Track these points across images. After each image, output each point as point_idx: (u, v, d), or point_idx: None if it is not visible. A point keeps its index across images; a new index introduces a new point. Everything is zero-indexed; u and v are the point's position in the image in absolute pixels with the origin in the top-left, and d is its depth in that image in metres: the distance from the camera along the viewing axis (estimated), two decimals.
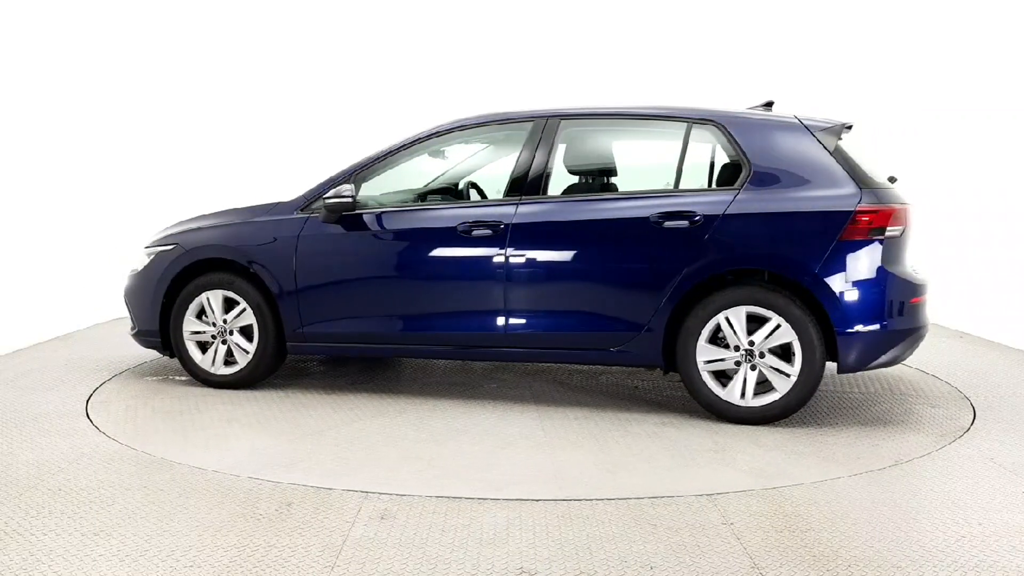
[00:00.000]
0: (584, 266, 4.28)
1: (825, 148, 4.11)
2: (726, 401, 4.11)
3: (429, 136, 4.67)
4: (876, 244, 3.98)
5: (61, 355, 5.71)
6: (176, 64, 8.12)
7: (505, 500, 3.15)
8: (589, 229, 4.27)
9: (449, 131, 4.66)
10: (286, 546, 2.74)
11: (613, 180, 4.72)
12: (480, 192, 5.18)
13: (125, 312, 5.16)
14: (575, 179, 4.71)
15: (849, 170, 4.06)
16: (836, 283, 3.94)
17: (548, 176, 4.41)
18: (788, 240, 4.05)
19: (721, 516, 3.00)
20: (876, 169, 4.35)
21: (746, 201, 4.08)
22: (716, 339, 4.13)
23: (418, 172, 5.01)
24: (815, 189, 4.05)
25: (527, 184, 4.39)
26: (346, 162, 4.73)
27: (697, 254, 4.09)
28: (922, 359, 5.37)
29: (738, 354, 4.08)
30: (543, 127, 4.48)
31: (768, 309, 4.02)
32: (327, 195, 4.54)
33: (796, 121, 4.22)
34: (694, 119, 4.31)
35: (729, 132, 4.22)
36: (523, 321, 4.34)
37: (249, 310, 4.70)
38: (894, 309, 4.03)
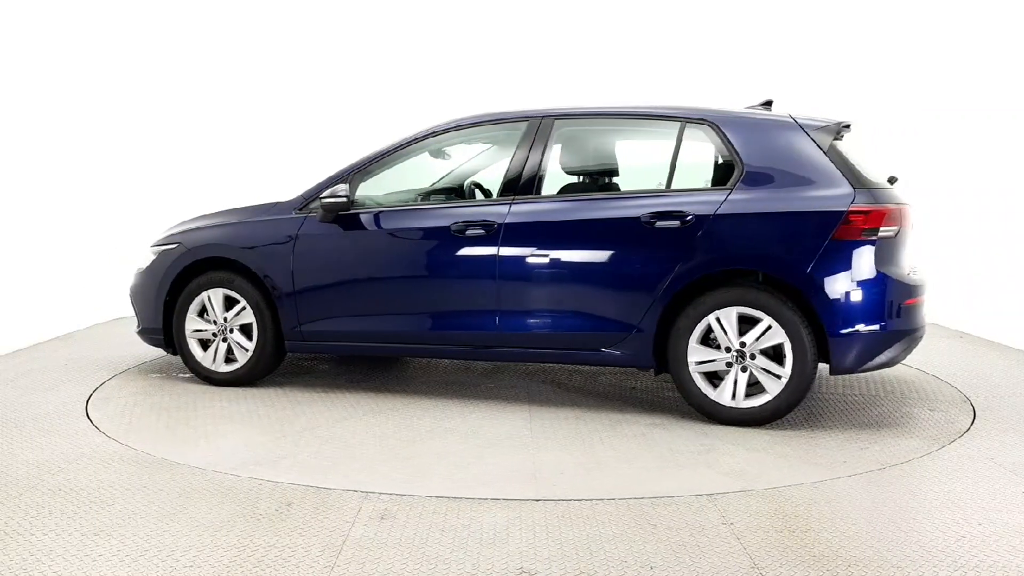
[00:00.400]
0: (575, 266, 4.25)
1: (820, 147, 4.06)
2: (717, 402, 4.08)
3: (425, 136, 4.68)
4: (869, 245, 3.92)
5: (61, 355, 5.71)
6: (176, 64, 8.12)
7: (505, 500, 3.15)
8: (581, 229, 4.26)
9: (445, 131, 4.67)
10: (286, 546, 2.74)
11: (608, 180, 4.71)
12: (485, 192, 5.19)
13: (125, 312, 5.18)
14: (571, 179, 4.70)
15: (844, 170, 4.01)
16: (827, 284, 3.89)
17: (542, 176, 4.39)
18: (779, 240, 4.01)
19: (721, 516, 3.00)
20: (875, 169, 4.33)
21: (738, 201, 4.05)
22: (708, 340, 4.10)
23: (415, 172, 5.02)
24: (808, 189, 4.01)
25: (521, 184, 4.39)
26: (346, 162, 4.74)
27: (688, 254, 4.06)
28: (922, 359, 5.37)
29: (729, 355, 4.05)
30: (537, 127, 4.47)
31: (759, 310, 3.98)
32: (323, 195, 4.56)
33: (791, 120, 4.18)
34: (688, 119, 4.29)
35: (722, 131, 4.19)
36: (515, 321, 4.34)
37: (248, 308, 4.73)
38: (888, 310, 3.98)
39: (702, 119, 4.25)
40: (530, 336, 4.34)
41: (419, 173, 5.11)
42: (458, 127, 4.67)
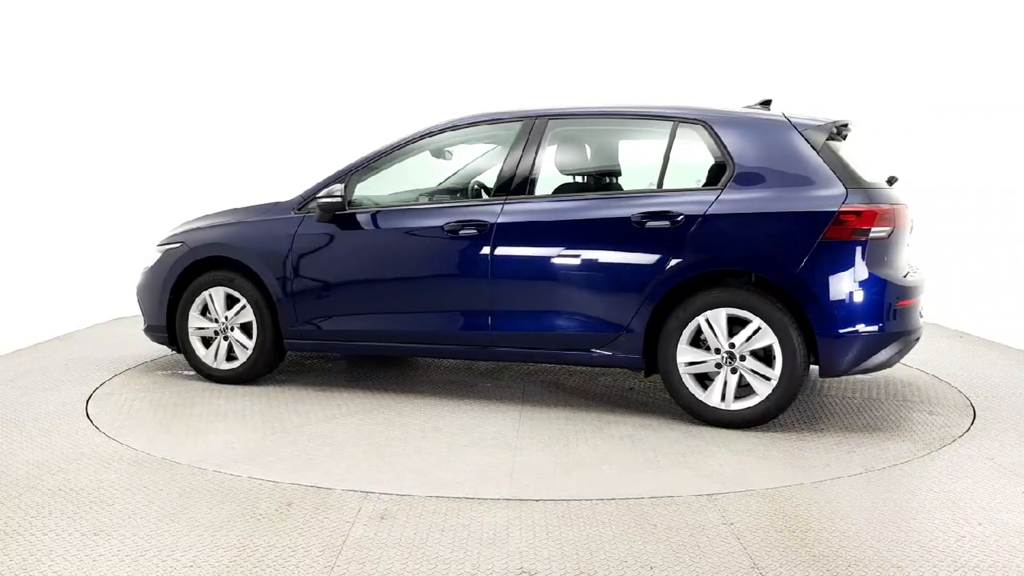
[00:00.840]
0: (566, 266, 4.23)
1: (813, 147, 4.00)
2: (706, 404, 4.05)
3: (422, 136, 4.69)
4: (860, 245, 3.86)
5: (61, 355, 5.71)
6: (177, 65, 8.12)
7: (505, 500, 3.15)
8: (572, 229, 4.25)
9: (441, 131, 4.67)
10: (286, 546, 2.74)
11: (602, 180, 4.69)
12: (489, 193, 5.17)
13: (125, 312, 5.19)
14: (565, 179, 4.69)
15: (838, 169, 3.95)
16: (817, 285, 3.84)
17: (535, 176, 4.38)
18: (769, 241, 3.96)
19: (721, 516, 3.00)
20: (876, 169, 4.30)
21: (728, 201, 4.02)
22: (698, 341, 4.07)
23: (413, 172, 5.02)
24: (800, 189, 3.96)
25: (514, 184, 4.39)
26: (346, 162, 4.75)
27: (678, 255, 4.03)
28: (922, 359, 5.37)
29: (719, 357, 4.02)
30: (531, 127, 4.46)
31: (748, 311, 3.94)
32: (320, 195, 4.57)
33: (784, 119, 4.12)
34: (680, 118, 4.25)
35: (714, 131, 4.15)
36: (507, 321, 4.33)
37: (248, 307, 4.76)
38: (881, 312, 3.91)
39: (694, 119, 4.22)
40: (522, 336, 4.33)
41: (417, 173, 5.12)
42: (454, 127, 4.67)
